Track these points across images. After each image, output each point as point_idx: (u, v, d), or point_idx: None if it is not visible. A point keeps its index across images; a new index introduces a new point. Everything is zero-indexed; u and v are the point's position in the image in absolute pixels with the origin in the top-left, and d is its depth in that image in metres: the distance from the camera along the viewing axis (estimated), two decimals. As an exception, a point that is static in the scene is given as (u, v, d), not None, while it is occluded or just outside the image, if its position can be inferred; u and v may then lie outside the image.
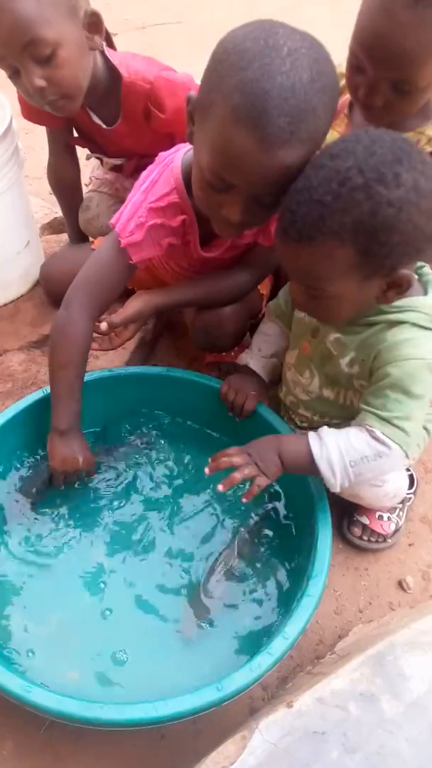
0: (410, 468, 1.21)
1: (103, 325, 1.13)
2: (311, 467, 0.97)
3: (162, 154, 1.12)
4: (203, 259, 1.18)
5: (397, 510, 1.20)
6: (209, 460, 1.00)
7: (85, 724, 0.82)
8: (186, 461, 1.26)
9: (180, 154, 1.09)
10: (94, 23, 1.17)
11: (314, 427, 1.17)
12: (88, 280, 1.14)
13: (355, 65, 1.02)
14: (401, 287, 0.90)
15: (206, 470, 0.99)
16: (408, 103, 1.02)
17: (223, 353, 1.41)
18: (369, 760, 0.75)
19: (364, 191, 0.81)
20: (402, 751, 0.77)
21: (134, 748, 0.95)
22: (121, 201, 1.60)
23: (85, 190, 1.63)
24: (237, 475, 0.96)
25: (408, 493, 1.20)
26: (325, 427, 0.99)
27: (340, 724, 0.78)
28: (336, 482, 0.96)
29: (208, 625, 1.02)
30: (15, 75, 1.15)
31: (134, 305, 1.16)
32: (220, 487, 0.97)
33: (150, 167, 1.12)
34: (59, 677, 0.95)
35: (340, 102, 1.21)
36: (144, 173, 1.13)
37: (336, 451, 0.95)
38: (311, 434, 0.98)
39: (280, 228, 0.89)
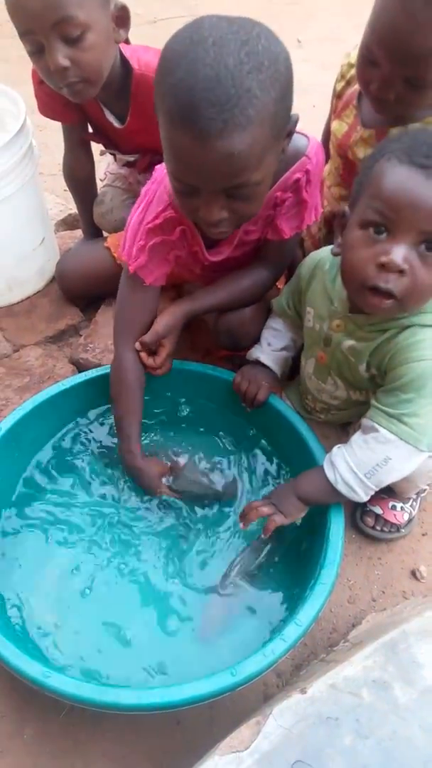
0: None
1: (137, 345, 1.17)
2: (334, 493, 1.00)
3: (157, 169, 1.14)
4: (215, 263, 1.19)
5: (411, 500, 1.21)
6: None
7: (103, 708, 0.84)
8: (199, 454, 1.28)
9: None
10: (121, 17, 1.18)
11: (331, 412, 1.18)
12: (120, 315, 1.21)
13: (368, 59, 1.02)
14: None
15: (240, 525, 1.08)
16: (420, 97, 1.01)
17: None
18: (381, 746, 0.76)
19: None
20: (415, 737, 0.77)
21: (151, 734, 0.97)
22: (134, 195, 1.62)
23: (99, 185, 1.65)
24: (252, 514, 1.04)
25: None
26: (335, 449, 1.02)
27: (353, 710, 0.79)
28: (361, 496, 0.99)
29: (224, 627, 1.03)
30: (38, 52, 1.14)
31: (162, 320, 1.18)
32: (241, 525, 1.07)
33: (147, 185, 1.14)
34: (75, 658, 0.99)
35: (348, 93, 1.21)
36: (142, 191, 1.15)
37: (347, 471, 0.98)
38: (325, 461, 1.02)
39: None
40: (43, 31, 1.09)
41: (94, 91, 1.22)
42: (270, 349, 1.24)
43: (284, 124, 0.90)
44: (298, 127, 0.97)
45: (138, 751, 0.96)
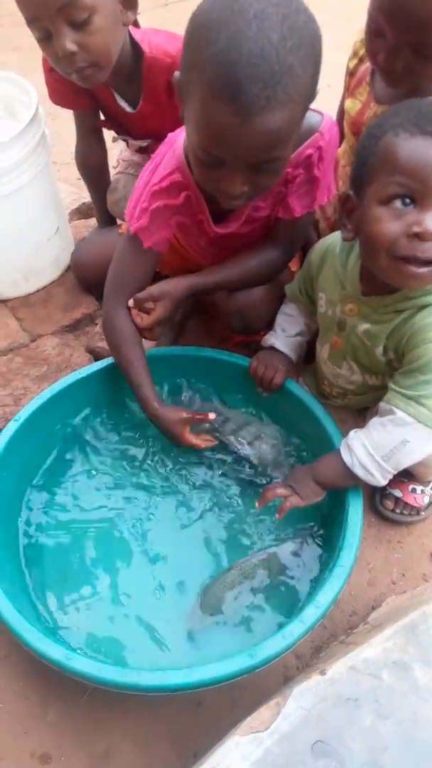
0: None
1: (130, 302, 1.16)
2: (351, 477, 0.99)
3: (170, 135, 1.12)
4: (220, 236, 1.18)
5: (431, 483, 1.20)
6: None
7: (124, 690, 0.85)
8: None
9: (184, 133, 1.08)
10: None
11: (348, 397, 1.16)
12: (115, 274, 1.19)
13: (374, 30, 1.01)
14: None
15: (257, 504, 1.09)
16: (428, 66, 0.99)
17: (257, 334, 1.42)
18: (402, 726, 0.76)
19: None
20: (435, 717, 0.77)
21: (173, 715, 0.98)
22: (148, 183, 1.60)
23: (112, 172, 1.65)
24: (269, 494, 1.04)
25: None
26: (351, 432, 1.01)
27: (372, 691, 0.79)
28: (379, 480, 0.99)
29: (214, 621, 1.02)
30: (46, 39, 1.13)
31: (161, 284, 1.17)
32: (257, 504, 1.08)
33: (158, 149, 1.13)
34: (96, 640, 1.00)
35: (362, 70, 1.19)
36: (153, 155, 1.13)
37: (364, 454, 0.97)
38: (342, 445, 1.02)
39: None
40: (50, 17, 1.08)
41: (104, 75, 1.21)
42: (284, 335, 1.24)
43: (312, 98, 0.90)
44: (314, 106, 0.96)
45: (159, 731, 0.97)
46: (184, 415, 1.16)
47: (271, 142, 0.86)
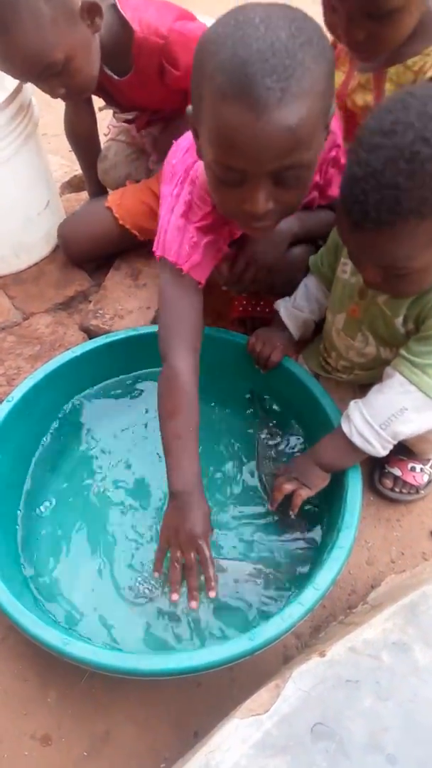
0: None
1: (224, 287, 1.15)
2: (352, 453, 0.98)
3: (179, 146, 1.08)
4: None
5: (430, 461, 1.18)
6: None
7: (122, 674, 0.84)
8: (215, 419, 1.26)
9: (203, 167, 0.99)
10: (90, 9, 1.15)
11: (355, 372, 1.16)
12: (171, 320, 1.07)
13: (328, 6, 0.99)
14: None
15: (269, 506, 1.08)
16: (390, 28, 0.95)
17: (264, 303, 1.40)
18: (402, 708, 0.76)
19: None
20: (435, 698, 0.77)
21: (172, 696, 0.98)
22: (138, 150, 1.56)
23: (103, 140, 1.60)
24: (277, 493, 1.04)
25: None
26: (351, 403, 1.00)
27: (372, 672, 0.79)
28: (378, 450, 0.97)
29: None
30: (37, 85, 1.24)
31: (252, 245, 1.15)
32: (269, 506, 1.08)
33: (170, 174, 1.07)
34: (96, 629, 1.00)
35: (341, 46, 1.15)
36: (164, 186, 1.08)
37: (363, 423, 0.96)
38: (342, 417, 1.00)
39: (350, 221, 0.82)
40: (33, 80, 1.20)
41: (92, 89, 1.28)
42: (294, 307, 1.21)
43: (329, 104, 0.84)
44: None
45: (159, 712, 0.97)
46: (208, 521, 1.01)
47: (291, 142, 0.80)
